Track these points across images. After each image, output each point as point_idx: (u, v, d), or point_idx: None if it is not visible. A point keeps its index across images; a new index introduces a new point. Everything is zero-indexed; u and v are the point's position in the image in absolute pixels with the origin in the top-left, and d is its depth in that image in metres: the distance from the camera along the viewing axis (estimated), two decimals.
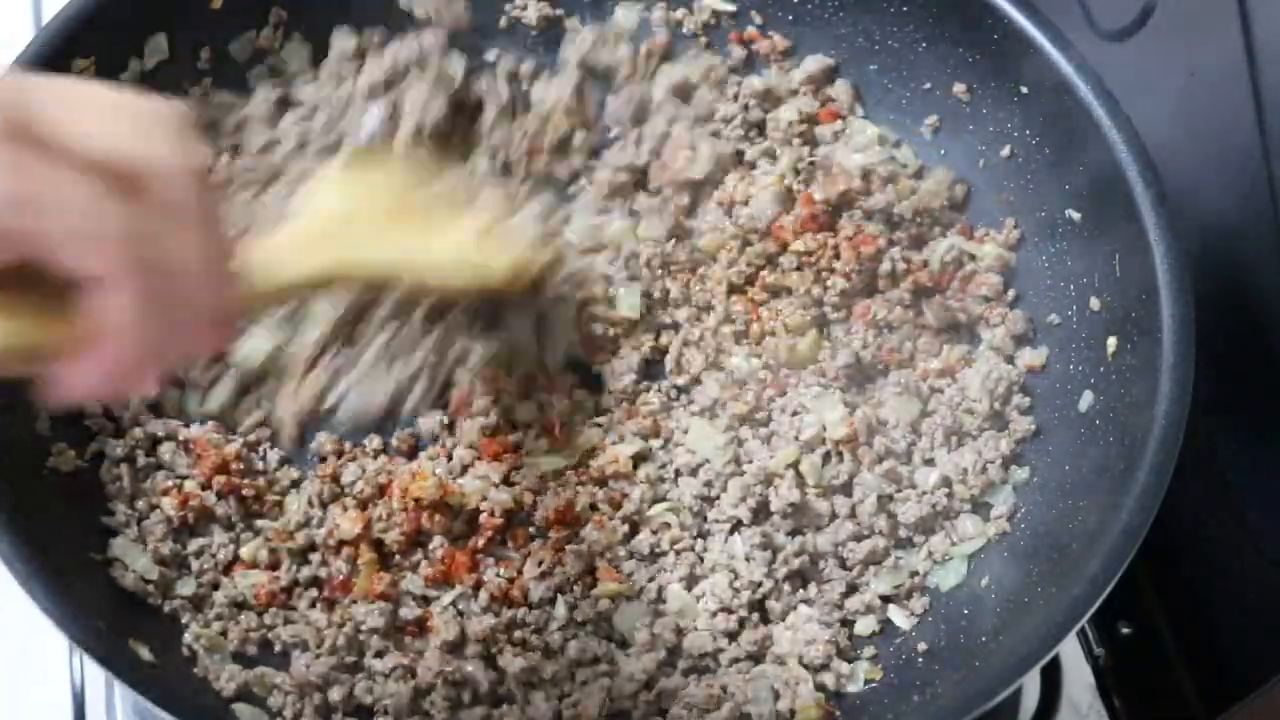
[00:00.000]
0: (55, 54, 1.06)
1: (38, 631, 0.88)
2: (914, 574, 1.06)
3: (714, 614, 1.03)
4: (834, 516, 1.07)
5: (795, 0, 1.22)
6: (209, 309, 0.67)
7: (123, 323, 0.63)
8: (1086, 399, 1.07)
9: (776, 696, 0.99)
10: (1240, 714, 1.05)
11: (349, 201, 0.95)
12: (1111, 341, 1.06)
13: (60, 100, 0.64)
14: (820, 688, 1.00)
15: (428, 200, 1.01)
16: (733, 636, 1.03)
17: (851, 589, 1.05)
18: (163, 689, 0.88)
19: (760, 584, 1.03)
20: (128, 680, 0.87)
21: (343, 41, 1.20)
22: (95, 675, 1.14)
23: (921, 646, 1.03)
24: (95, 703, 1.14)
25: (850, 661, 1.02)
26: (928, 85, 1.20)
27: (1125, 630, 1.19)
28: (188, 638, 0.97)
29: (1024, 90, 1.13)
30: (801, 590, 1.04)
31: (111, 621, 0.91)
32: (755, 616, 1.03)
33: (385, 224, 0.96)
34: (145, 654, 0.91)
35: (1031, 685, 1.13)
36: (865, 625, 1.04)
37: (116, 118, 0.65)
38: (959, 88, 1.18)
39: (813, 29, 1.23)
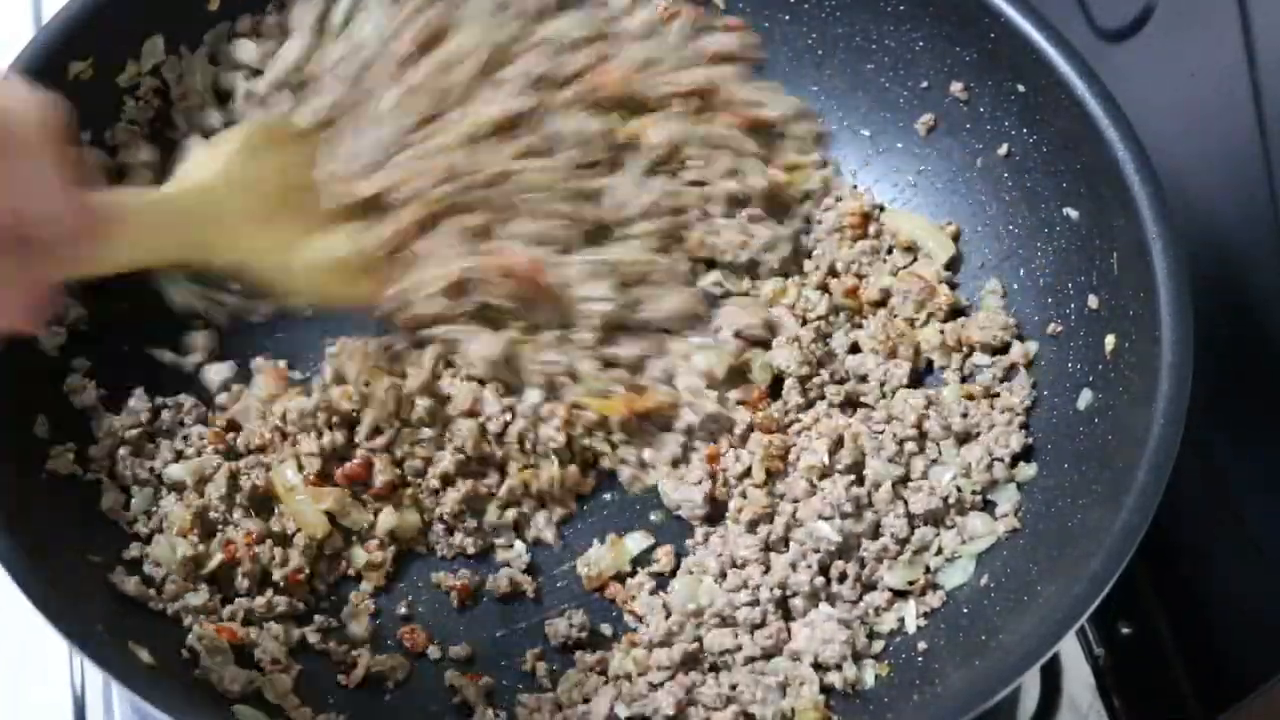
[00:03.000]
0: (54, 55, 1.06)
1: (38, 632, 0.88)
2: (926, 570, 1.06)
3: (739, 607, 1.03)
4: (857, 506, 1.07)
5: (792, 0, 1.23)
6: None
7: None
8: (1085, 397, 1.07)
9: (783, 693, 1.00)
10: (1239, 714, 1.05)
11: (229, 181, 0.93)
12: (1110, 340, 1.06)
13: None
14: (828, 688, 1.00)
15: (307, 196, 0.99)
16: (755, 629, 1.03)
17: (869, 586, 1.05)
18: (162, 691, 0.88)
19: (787, 580, 1.04)
20: (126, 682, 0.87)
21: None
22: (95, 676, 1.14)
23: (921, 645, 1.03)
24: (95, 703, 1.14)
25: (858, 661, 1.02)
26: (925, 84, 1.21)
27: (1125, 630, 1.19)
28: (190, 639, 0.97)
29: (1021, 89, 1.13)
30: (824, 586, 1.05)
31: (110, 623, 0.91)
32: (778, 613, 1.04)
33: (256, 217, 0.95)
34: (144, 656, 0.91)
35: (1031, 685, 1.13)
36: (884, 624, 1.04)
37: None
38: (956, 86, 1.18)
39: (809, 28, 1.23)
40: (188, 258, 0.93)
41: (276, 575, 1.03)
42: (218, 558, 1.02)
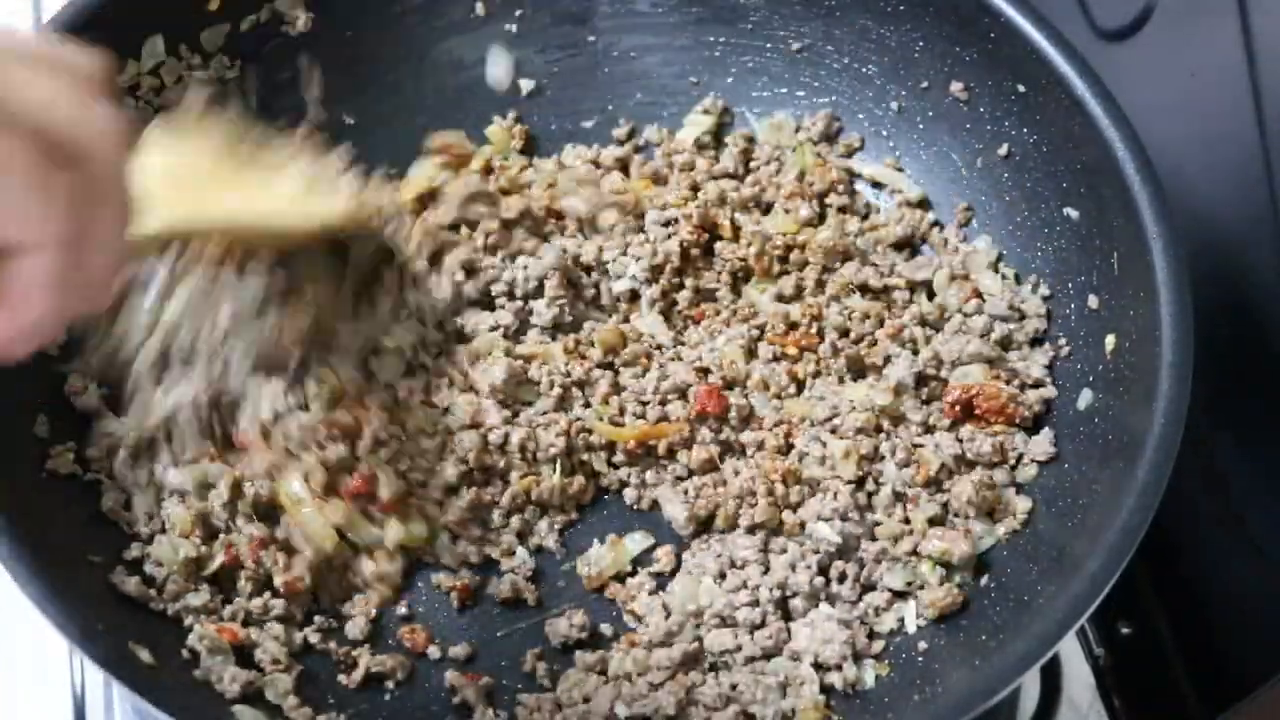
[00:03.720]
0: None
1: (38, 631, 0.88)
2: (926, 570, 1.06)
3: (739, 607, 1.03)
4: (863, 509, 1.07)
5: (795, 1, 1.23)
6: (113, 272, 0.69)
7: (38, 289, 0.65)
8: (1085, 397, 1.07)
9: (784, 693, 0.99)
10: (1240, 714, 1.05)
11: (176, 160, 1.00)
12: (1110, 340, 1.06)
13: None
14: (828, 688, 1.00)
15: (248, 157, 1.05)
16: (755, 629, 1.03)
17: (868, 586, 1.05)
18: (162, 691, 0.88)
19: (787, 580, 1.03)
20: (127, 682, 0.87)
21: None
22: (95, 676, 1.14)
23: (921, 645, 1.03)
24: (95, 703, 1.14)
25: (858, 661, 1.02)
26: (925, 84, 1.21)
27: (1125, 630, 1.19)
28: (191, 639, 0.97)
29: (1021, 89, 1.13)
30: (824, 586, 1.04)
31: (111, 623, 0.91)
32: (778, 613, 1.04)
33: (214, 180, 1.02)
34: (145, 656, 0.91)
35: (1031, 685, 1.13)
36: (884, 624, 1.04)
37: (53, 76, 0.64)
38: (956, 87, 1.18)
39: (809, 28, 1.24)
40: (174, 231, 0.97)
41: (278, 580, 1.03)
42: (219, 559, 1.02)
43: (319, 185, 1.09)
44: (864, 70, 1.23)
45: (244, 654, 0.99)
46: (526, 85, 1.28)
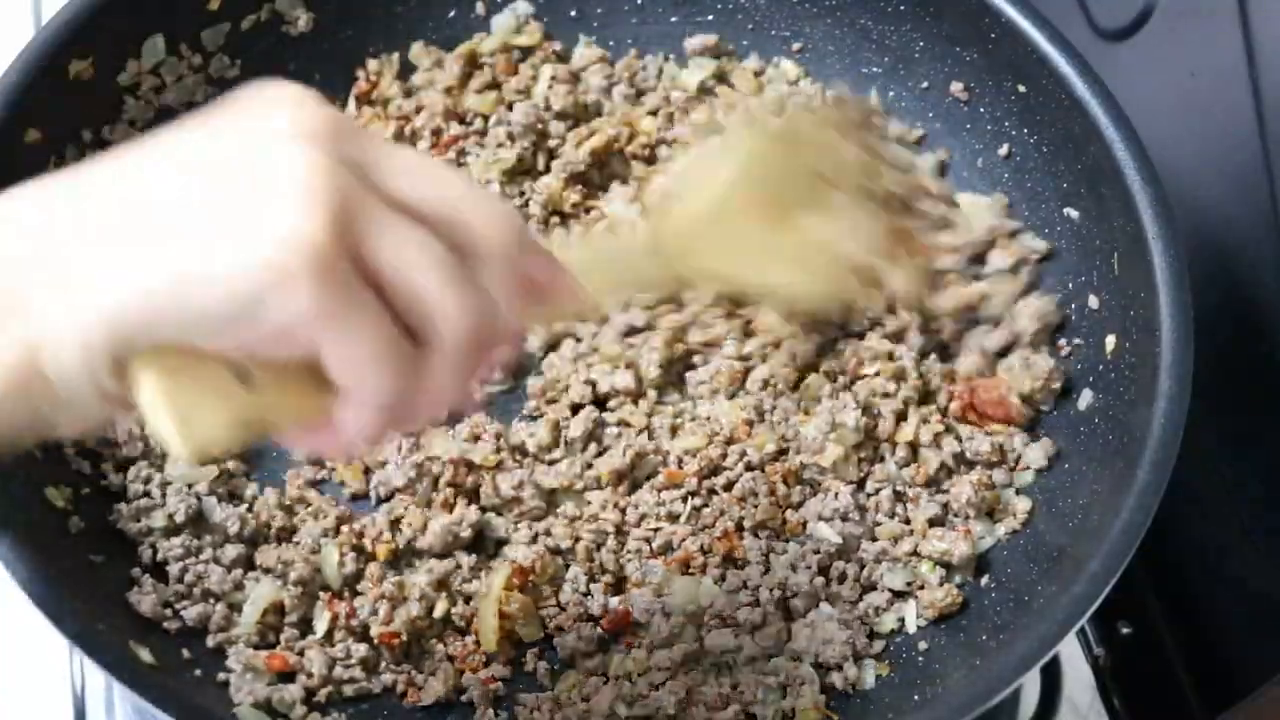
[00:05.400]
0: (54, 54, 1.06)
1: (38, 631, 0.88)
2: (925, 570, 1.06)
3: (739, 607, 1.03)
4: (860, 509, 1.07)
5: (795, 0, 1.23)
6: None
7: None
8: (1086, 397, 1.07)
9: (784, 693, 0.99)
10: (1240, 714, 1.05)
11: (749, 182, 0.80)
12: (1110, 340, 1.06)
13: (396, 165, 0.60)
14: (829, 688, 1.00)
15: (803, 190, 0.84)
16: (755, 629, 1.02)
17: (869, 586, 1.05)
18: (162, 691, 0.88)
19: (787, 580, 1.03)
20: (127, 682, 0.87)
21: None
22: (95, 675, 1.14)
23: (922, 645, 1.03)
24: (95, 703, 1.14)
25: (859, 661, 1.02)
26: (925, 85, 1.21)
27: (1125, 630, 1.19)
28: (230, 662, 0.97)
29: (1022, 89, 1.13)
30: (824, 586, 1.04)
31: (111, 623, 0.91)
32: (778, 613, 1.03)
33: (769, 217, 0.80)
34: (145, 656, 0.91)
35: (1031, 685, 1.13)
36: (885, 624, 1.04)
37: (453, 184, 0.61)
38: (956, 87, 1.19)
39: (810, 28, 1.24)
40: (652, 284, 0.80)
41: (375, 631, 1.00)
42: (325, 616, 1.00)
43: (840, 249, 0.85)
44: (864, 70, 1.23)
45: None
46: None
